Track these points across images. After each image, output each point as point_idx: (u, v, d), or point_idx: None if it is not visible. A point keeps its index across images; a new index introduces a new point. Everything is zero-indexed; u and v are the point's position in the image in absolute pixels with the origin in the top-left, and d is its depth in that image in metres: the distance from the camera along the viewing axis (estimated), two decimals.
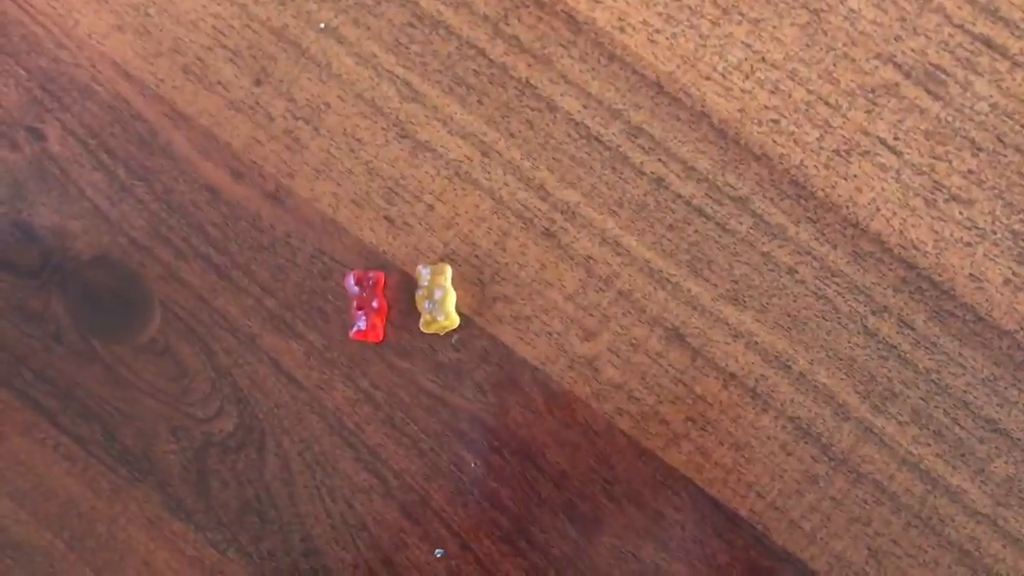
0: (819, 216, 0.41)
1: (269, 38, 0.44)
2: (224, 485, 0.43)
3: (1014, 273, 0.40)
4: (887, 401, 0.40)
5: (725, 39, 0.42)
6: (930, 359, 0.40)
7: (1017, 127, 0.41)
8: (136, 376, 0.43)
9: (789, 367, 0.41)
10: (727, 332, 0.41)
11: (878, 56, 0.42)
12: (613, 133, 0.42)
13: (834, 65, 0.42)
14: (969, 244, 0.41)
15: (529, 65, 0.43)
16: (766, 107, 0.42)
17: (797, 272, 0.41)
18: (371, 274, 0.42)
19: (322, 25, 0.44)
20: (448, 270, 0.42)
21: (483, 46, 0.43)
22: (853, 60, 0.42)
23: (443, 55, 0.43)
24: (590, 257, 0.42)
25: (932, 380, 0.40)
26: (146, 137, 0.44)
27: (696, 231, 0.42)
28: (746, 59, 0.42)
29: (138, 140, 0.44)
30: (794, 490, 0.40)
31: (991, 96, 0.41)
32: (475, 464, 0.41)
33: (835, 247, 0.41)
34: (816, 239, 0.41)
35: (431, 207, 0.43)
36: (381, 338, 0.42)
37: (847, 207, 0.41)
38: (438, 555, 0.40)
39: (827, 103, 0.42)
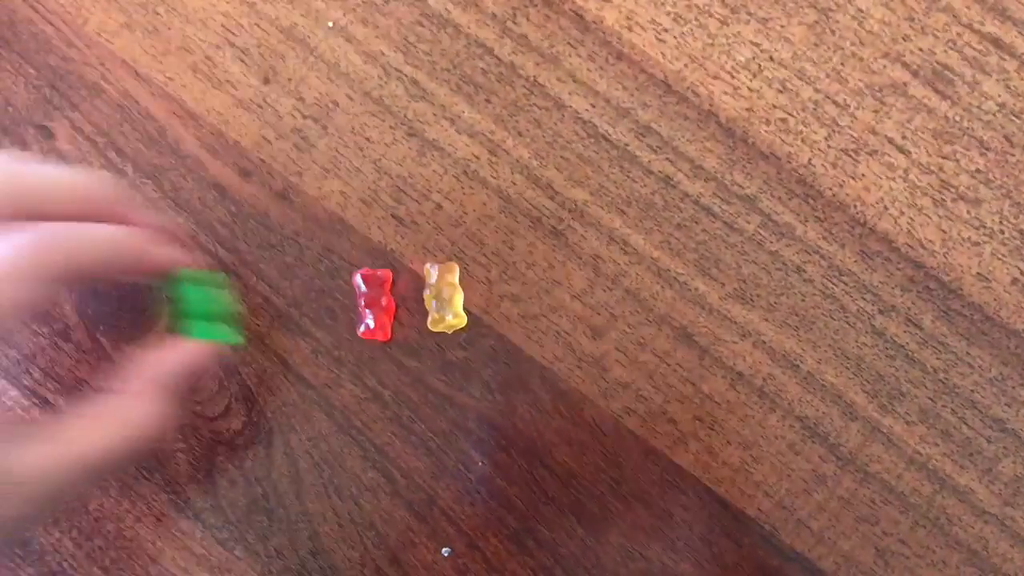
0: (827, 215, 0.42)
1: (278, 37, 0.44)
2: (232, 483, 0.44)
3: (1022, 272, 0.41)
4: (895, 400, 0.41)
5: (733, 38, 0.43)
6: (938, 358, 0.41)
7: None
8: None
9: (797, 366, 0.41)
10: (735, 331, 0.41)
11: (886, 55, 0.42)
12: (621, 132, 0.43)
13: (842, 64, 0.42)
14: (977, 243, 0.41)
15: (537, 64, 0.43)
16: (774, 106, 0.42)
17: (805, 271, 0.41)
18: (379, 273, 0.42)
19: (330, 24, 0.44)
20: (456, 269, 0.42)
21: (491, 45, 0.44)
22: (861, 59, 0.42)
23: (451, 54, 0.44)
24: (598, 256, 0.42)
25: (940, 379, 0.40)
26: (155, 135, 0.45)
27: (704, 230, 0.42)
28: (754, 58, 0.43)
29: (147, 138, 0.45)
30: (802, 489, 0.40)
31: (999, 96, 0.42)
32: (482, 463, 0.42)
33: (843, 246, 0.41)
34: (824, 238, 0.42)
35: (439, 206, 0.43)
36: (389, 337, 0.43)
37: (855, 206, 0.42)
38: (445, 554, 0.41)
39: (835, 102, 0.42)
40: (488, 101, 0.43)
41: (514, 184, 0.43)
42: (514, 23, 0.43)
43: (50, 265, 0.32)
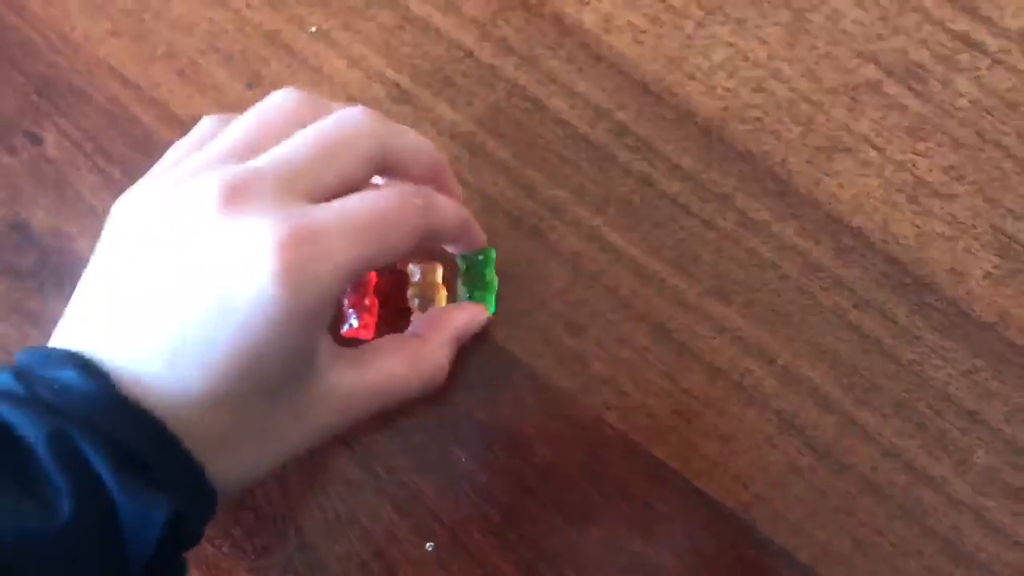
0: (802, 212, 0.43)
1: (262, 42, 0.46)
2: None
3: (995, 266, 0.42)
4: (870, 393, 0.42)
5: (709, 39, 0.44)
6: (912, 352, 0.42)
7: (997, 123, 0.43)
8: None
9: (773, 361, 0.42)
10: (712, 327, 0.43)
11: (860, 54, 0.44)
12: (600, 132, 0.44)
13: (816, 64, 0.44)
14: (951, 238, 0.42)
15: (517, 66, 0.45)
16: (750, 105, 0.44)
17: (780, 267, 0.43)
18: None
19: (313, 29, 0.46)
20: (439, 268, 0.44)
21: (472, 48, 0.45)
22: (835, 59, 0.44)
23: (432, 57, 0.45)
24: (577, 254, 0.44)
25: (914, 372, 0.42)
26: (142, 140, 0.46)
27: (681, 228, 0.43)
28: (730, 59, 0.44)
29: (134, 143, 0.46)
30: (779, 481, 0.42)
31: (971, 92, 0.43)
32: (465, 459, 0.43)
33: (818, 242, 0.43)
34: (799, 235, 0.43)
35: None
36: (372, 336, 0.44)
37: (830, 203, 0.43)
38: (429, 548, 0.42)
39: (810, 101, 0.44)
40: (469, 103, 0.45)
41: (495, 184, 0.44)
42: (494, 26, 0.45)
43: (428, 221, 0.36)
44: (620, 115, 0.44)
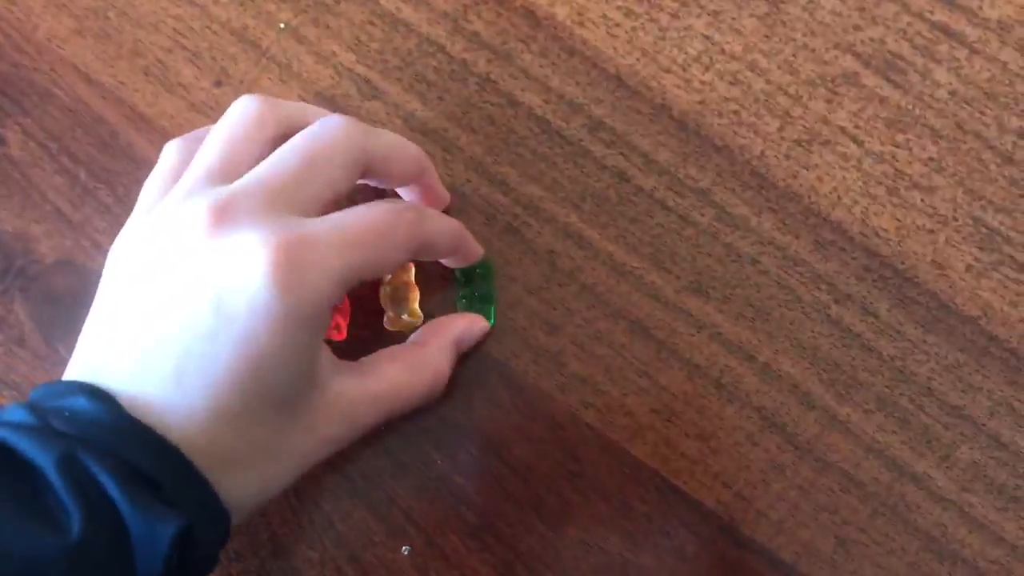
0: (781, 206, 0.43)
1: (229, 39, 0.45)
2: None
3: (976, 259, 0.42)
4: (852, 389, 0.42)
5: (684, 32, 0.44)
6: (894, 347, 0.42)
7: (976, 114, 0.43)
8: None
9: (753, 357, 0.42)
10: (691, 323, 0.43)
11: (837, 46, 0.43)
12: (574, 127, 0.44)
13: (794, 56, 0.44)
14: (931, 231, 0.42)
15: (489, 61, 0.44)
16: (726, 99, 0.43)
17: (760, 262, 0.43)
18: None
19: (282, 25, 0.45)
20: (412, 267, 0.43)
21: (443, 43, 0.45)
22: (812, 50, 0.43)
23: (403, 52, 0.45)
24: (553, 251, 0.43)
25: (896, 367, 0.42)
26: (107, 140, 0.46)
27: (658, 223, 0.43)
28: (706, 51, 0.44)
29: (99, 143, 0.46)
30: (760, 480, 0.41)
31: (950, 83, 0.43)
32: (440, 460, 0.43)
33: (797, 237, 0.43)
34: (778, 229, 0.43)
35: None
36: (345, 336, 0.43)
37: (809, 197, 0.43)
38: (405, 552, 0.42)
39: (787, 93, 0.43)
40: (441, 99, 0.44)
41: (468, 181, 0.44)
42: (465, 20, 0.45)
43: (420, 234, 0.37)
44: (595, 110, 0.44)
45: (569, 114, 0.44)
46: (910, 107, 0.43)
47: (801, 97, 0.43)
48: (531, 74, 0.44)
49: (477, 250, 0.42)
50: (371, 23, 0.45)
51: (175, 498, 0.32)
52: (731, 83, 0.43)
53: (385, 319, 0.43)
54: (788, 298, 0.42)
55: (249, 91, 0.45)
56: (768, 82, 0.43)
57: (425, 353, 0.41)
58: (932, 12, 0.43)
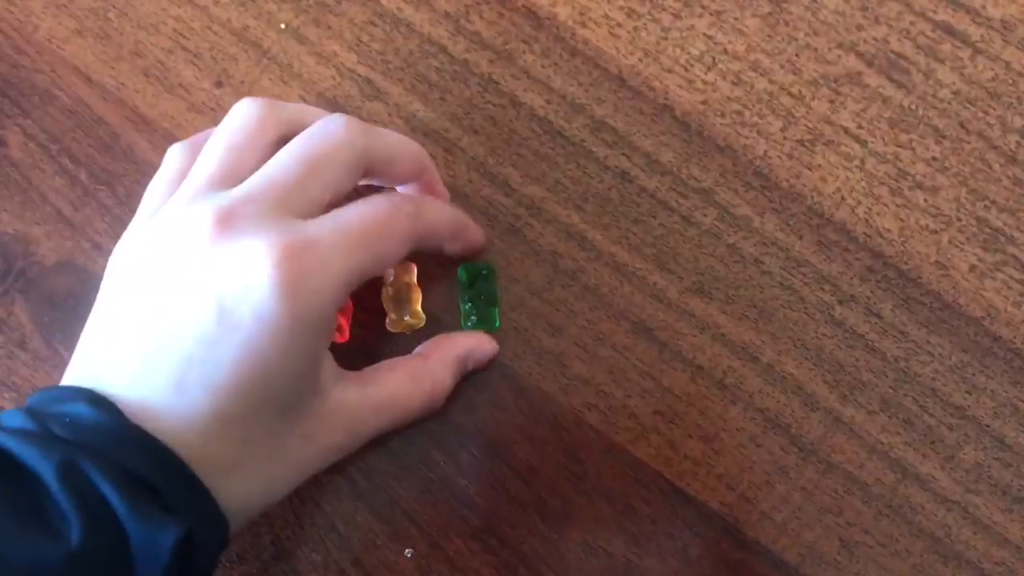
0: (784, 206, 0.43)
1: (230, 39, 0.45)
2: None
3: (980, 259, 0.42)
4: (855, 390, 0.41)
5: (687, 32, 0.44)
6: (898, 347, 0.42)
7: (979, 113, 0.43)
8: None
9: (756, 358, 0.42)
10: (694, 324, 0.42)
11: (840, 45, 0.43)
12: (576, 128, 0.44)
13: (796, 55, 0.43)
14: (935, 231, 0.42)
15: (491, 61, 0.44)
16: (729, 99, 0.43)
17: (763, 263, 0.42)
18: None
19: (283, 25, 0.45)
20: (414, 268, 0.43)
21: (444, 43, 0.45)
22: (815, 50, 0.43)
23: (404, 53, 0.45)
24: (555, 252, 0.43)
25: (900, 368, 0.41)
26: (108, 141, 0.45)
27: (661, 224, 0.43)
28: (708, 51, 0.44)
29: (100, 144, 0.45)
30: (764, 481, 0.41)
31: (953, 83, 0.43)
32: (443, 462, 0.42)
33: (800, 237, 0.42)
34: (781, 229, 0.43)
35: None
36: (347, 338, 0.43)
37: (812, 197, 0.43)
38: (408, 555, 0.42)
39: (790, 93, 0.43)
40: (442, 100, 0.44)
41: (470, 182, 0.44)
42: (467, 21, 0.44)
43: (420, 226, 0.38)
44: (597, 110, 0.44)
45: (571, 115, 0.44)
46: (913, 107, 0.43)
47: (804, 97, 0.43)
48: (533, 75, 0.44)
49: (479, 235, 0.42)
50: (372, 23, 0.45)
51: (174, 504, 0.32)
52: (734, 83, 0.43)
53: (387, 320, 0.43)
54: (791, 299, 0.42)
55: (250, 92, 0.45)
56: (771, 82, 0.43)
57: (427, 365, 0.41)
58: (935, 11, 0.43)
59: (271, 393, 0.34)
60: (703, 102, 0.43)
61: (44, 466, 0.30)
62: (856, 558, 0.41)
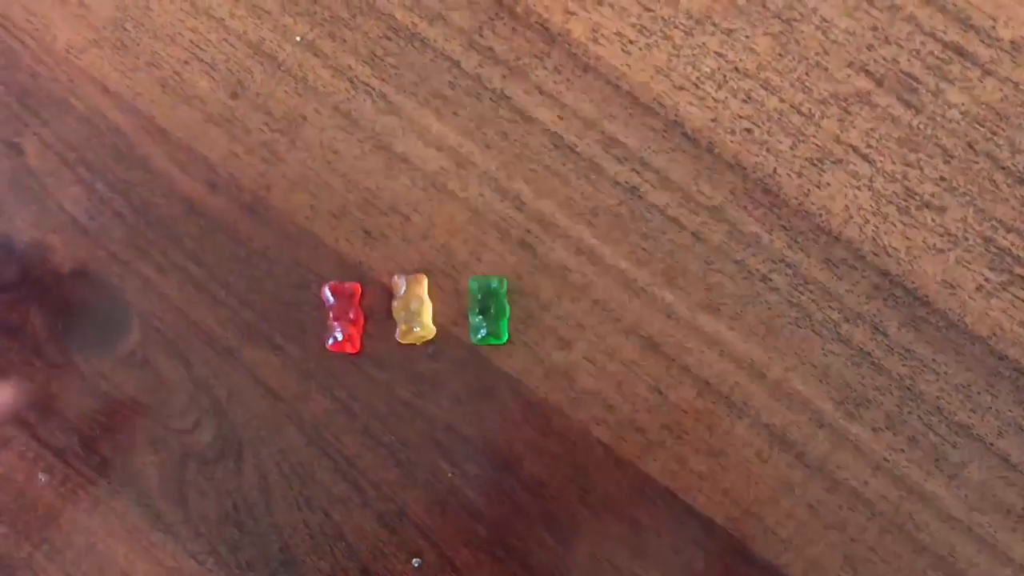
0: (792, 224, 0.43)
1: (245, 51, 0.46)
2: (202, 496, 0.44)
3: (986, 279, 0.42)
4: (861, 408, 0.42)
5: (698, 49, 0.44)
6: (904, 365, 0.42)
7: (988, 134, 0.43)
8: (115, 388, 0.45)
9: (763, 374, 0.42)
10: (702, 340, 0.43)
11: (850, 65, 0.43)
12: (587, 143, 0.44)
13: (807, 74, 0.43)
14: (942, 250, 0.42)
15: (504, 76, 0.44)
16: (739, 116, 0.43)
17: (771, 280, 0.43)
18: (348, 285, 0.43)
19: (298, 38, 0.45)
20: (425, 281, 0.43)
21: (458, 58, 0.45)
22: (825, 69, 0.43)
23: (418, 67, 0.45)
24: (565, 267, 0.43)
25: (906, 386, 0.42)
26: (124, 151, 0.46)
27: (670, 240, 0.43)
28: (719, 69, 0.44)
29: (116, 154, 0.46)
30: (769, 497, 0.41)
31: (962, 104, 0.43)
32: (452, 473, 0.43)
33: (808, 255, 0.43)
34: (789, 247, 0.43)
35: (407, 218, 0.44)
36: (358, 349, 0.44)
37: (820, 215, 0.43)
38: (416, 564, 0.42)
39: (800, 112, 0.43)
40: (455, 114, 0.44)
41: (482, 196, 0.44)
42: (480, 36, 0.45)
43: None
44: (608, 126, 0.44)
45: (583, 130, 0.44)
46: (922, 127, 0.43)
47: (814, 116, 0.43)
48: (545, 90, 0.44)
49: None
50: (387, 38, 0.45)
51: None
52: (744, 101, 0.44)
53: (397, 332, 0.43)
54: (799, 316, 0.42)
55: (265, 104, 0.45)
56: (781, 100, 0.43)
57: None
58: (945, 32, 0.43)
59: None
60: (713, 119, 0.44)
61: None
62: (860, 574, 0.41)
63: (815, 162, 0.43)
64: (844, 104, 0.43)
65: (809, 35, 0.44)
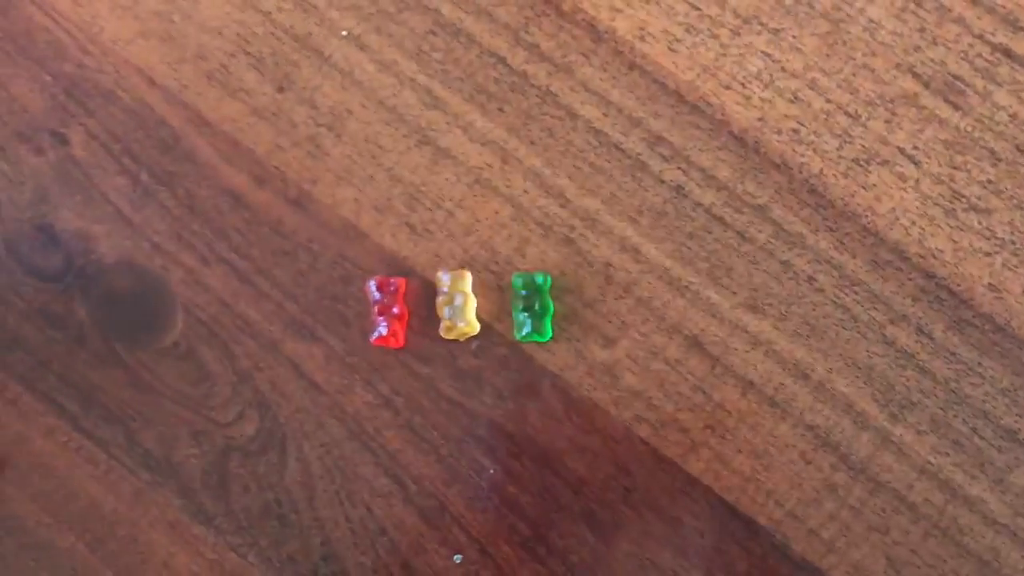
0: (838, 225, 0.42)
1: (292, 45, 0.45)
2: (244, 489, 0.44)
3: None
4: (905, 410, 0.41)
5: (745, 49, 0.44)
6: (948, 368, 0.41)
7: None
8: (158, 380, 0.45)
9: (808, 375, 0.42)
10: (746, 340, 0.42)
11: (897, 66, 0.43)
12: (633, 141, 0.44)
13: (853, 75, 0.43)
14: (988, 254, 0.42)
15: (550, 73, 0.44)
16: (786, 116, 0.43)
17: (816, 281, 0.42)
18: (392, 280, 0.43)
19: (344, 32, 0.45)
20: (468, 276, 0.43)
21: (504, 54, 0.44)
22: (872, 70, 0.43)
23: (464, 63, 0.45)
24: (609, 264, 0.43)
25: (951, 389, 0.41)
26: (169, 142, 0.46)
27: (715, 239, 0.43)
28: (766, 68, 0.43)
29: (161, 145, 0.46)
30: (813, 498, 0.41)
31: (1010, 106, 0.42)
32: (494, 470, 0.42)
33: (854, 256, 0.42)
34: (835, 248, 0.42)
35: (451, 214, 0.44)
36: (402, 344, 0.43)
37: (866, 216, 0.42)
38: (457, 560, 0.42)
39: (846, 113, 0.43)
40: (501, 110, 0.44)
41: (526, 192, 0.44)
42: (527, 33, 0.44)
43: None
44: (654, 124, 0.44)
45: (628, 128, 0.44)
46: (969, 129, 0.42)
47: (860, 116, 0.43)
48: (591, 87, 0.44)
49: None
50: (433, 33, 0.45)
51: None
52: (790, 101, 0.43)
53: (441, 327, 0.43)
54: (843, 317, 0.42)
55: (311, 98, 0.45)
56: (828, 101, 0.43)
57: None
58: (994, 34, 0.43)
59: None
60: (760, 119, 0.43)
61: None
62: None
63: (861, 163, 0.43)
64: (891, 105, 0.43)
65: (856, 36, 0.43)
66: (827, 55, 0.43)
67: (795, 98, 0.43)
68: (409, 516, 0.42)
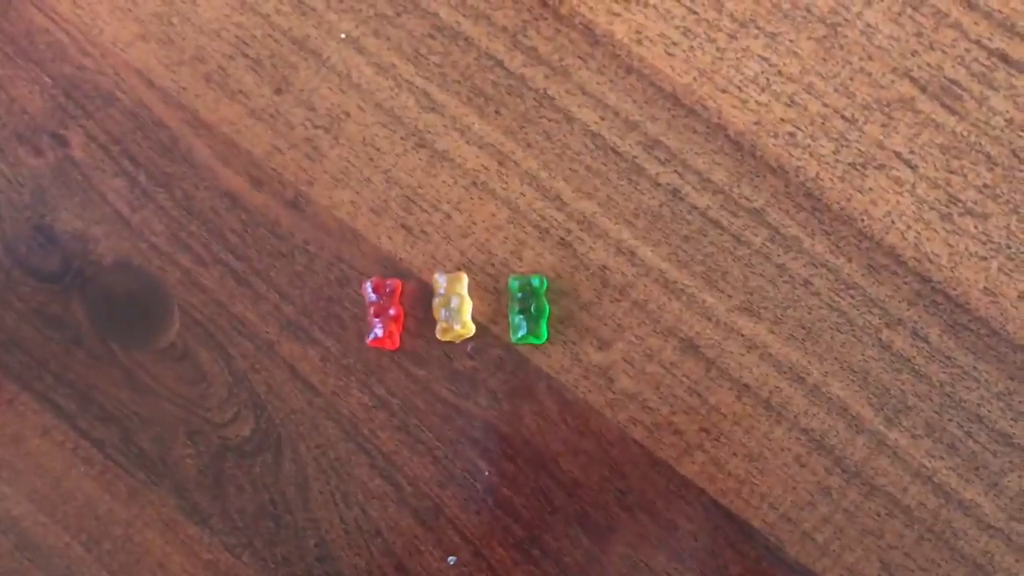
0: (834, 229, 0.42)
1: (290, 48, 0.45)
2: (240, 490, 0.44)
3: None
4: (901, 414, 0.41)
5: (742, 52, 0.43)
6: (944, 372, 0.41)
7: None
8: (154, 380, 0.45)
9: (803, 379, 0.42)
10: (741, 343, 0.42)
11: (894, 70, 0.43)
12: (629, 144, 0.44)
13: (850, 79, 0.43)
14: (984, 258, 0.42)
15: (547, 76, 0.44)
16: (782, 120, 0.43)
17: (812, 284, 0.42)
18: (388, 282, 0.43)
19: (343, 35, 0.45)
20: (464, 278, 0.43)
21: (501, 57, 0.44)
22: (869, 74, 0.43)
23: (462, 66, 0.44)
24: (605, 267, 0.43)
25: (946, 393, 0.41)
26: (168, 144, 0.46)
27: (711, 242, 0.43)
28: (762, 72, 0.43)
29: (160, 147, 0.46)
30: (807, 502, 0.41)
31: (1007, 111, 0.42)
32: (489, 472, 0.42)
33: (850, 260, 0.42)
34: (831, 251, 0.42)
35: (448, 216, 0.44)
36: (397, 345, 0.43)
37: (862, 220, 0.42)
38: (451, 562, 0.42)
39: (843, 116, 0.43)
40: (498, 113, 0.44)
41: (523, 195, 0.44)
42: (524, 36, 0.44)
43: None
44: (650, 127, 0.43)
45: (625, 131, 0.43)
46: (965, 133, 0.42)
47: (857, 120, 0.43)
48: (588, 90, 0.44)
49: None
50: (431, 36, 0.45)
51: None
52: (787, 104, 0.43)
53: (437, 329, 0.43)
54: (839, 321, 0.42)
55: (309, 100, 0.45)
56: (824, 105, 0.43)
57: None
58: (991, 39, 0.42)
59: None
60: (756, 122, 0.43)
61: None
62: None
63: (858, 167, 0.42)
64: (887, 110, 0.43)
65: (853, 40, 0.43)
66: (824, 59, 0.43)
67: (791, 102, 0.43)
68: (404, 517, 0.42)
